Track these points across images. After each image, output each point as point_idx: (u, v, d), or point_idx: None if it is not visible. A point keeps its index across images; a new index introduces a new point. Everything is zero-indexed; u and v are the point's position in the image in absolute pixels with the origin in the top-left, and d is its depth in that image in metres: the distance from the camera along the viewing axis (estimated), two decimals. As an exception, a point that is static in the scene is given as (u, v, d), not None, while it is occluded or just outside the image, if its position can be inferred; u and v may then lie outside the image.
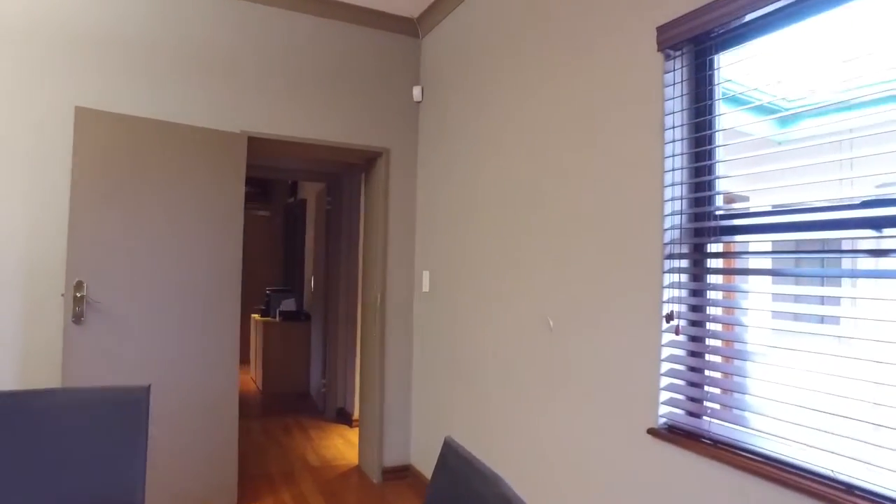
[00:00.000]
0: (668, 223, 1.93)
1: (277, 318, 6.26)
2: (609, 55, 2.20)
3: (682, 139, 1.92)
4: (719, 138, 1.85)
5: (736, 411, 1.72)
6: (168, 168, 3.11)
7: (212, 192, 3.25)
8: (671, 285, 1.92)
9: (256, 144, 3.56)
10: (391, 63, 3.88)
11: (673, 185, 1.93)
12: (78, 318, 2.83)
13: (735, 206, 1.79)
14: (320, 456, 4.20)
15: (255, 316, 6.60)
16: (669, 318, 1.90)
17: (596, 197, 2.24)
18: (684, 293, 1.92)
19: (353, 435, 4.70)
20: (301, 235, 7.10)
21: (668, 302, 1.92)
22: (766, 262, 1.89)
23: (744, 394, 1.68)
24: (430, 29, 3.81)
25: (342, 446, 4.44)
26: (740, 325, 1.75)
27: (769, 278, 1.80)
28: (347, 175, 5.31)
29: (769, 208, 1.65)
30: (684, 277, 1.92)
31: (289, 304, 6.28)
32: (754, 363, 1.67)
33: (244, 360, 7.50)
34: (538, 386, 2.53)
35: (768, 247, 1.74)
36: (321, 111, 3.65)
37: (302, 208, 7.13)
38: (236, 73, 3.43)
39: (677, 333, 1.89)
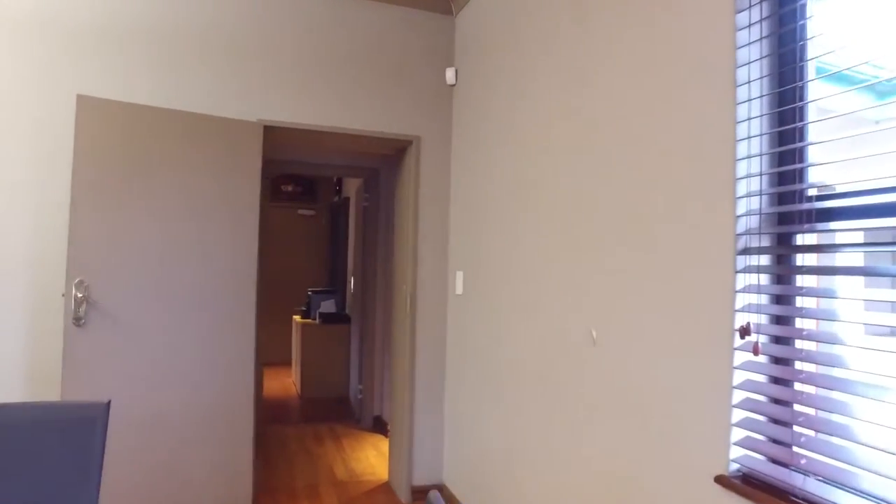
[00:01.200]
0: (741, 207, 1.48)
1: (317, 320, 6.05)
2: (677, 20, 1.76)
3: (759, 96, 1.47)
4: (809, 91, 1.39)
5: (840, 464, 1.26)
6: (177, 160, 2.89)
7: (225, 186, 3.01)
8: (746, 289, 1.47)
9: (274, 135, 3.30)
10: (421, 43, 3.53)
11: (749, 157, 1.48)
12: (79, 320, 2.64)
13: (836, 184, 1.33)
14: (349, 469, 3.91)
15: (297, 317, 6.43)
16: (744, 332, 1.45)
17: (652, 184, 1.81)
18: (764, 300, 1.46)
19: (387, 446, 4.38)
20: (344, 234, 6.89)
21: (742, 311, 1.47)
22: (883, 260, 1.41)
23: (851, 441, 1.22)
24: (464, 4, 3.44)
25: (374, 459, 4.14)
26: (845, 344, 1.28)
27: (889, 280, 1.33)
28: (385, 168, 5.02)
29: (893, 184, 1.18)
30: (764, 279, 1.47)
31: (328, 306, 6.06)
32: (867, 398, 1.20)
33: (287, 362, 7.37)
34: (579, 409, 2.11)
35: (889, 237, 1.26)
36: (345, 97, 3.35)
37: (345, 206, 6.93)
38: (252, 58, 3.18)
39: (755, 353, 1.43)
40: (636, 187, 1.86)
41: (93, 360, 2.67)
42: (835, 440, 1.30)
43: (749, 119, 1.48)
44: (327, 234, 8.09)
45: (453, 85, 3.57)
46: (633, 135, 1.88)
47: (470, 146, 3.28)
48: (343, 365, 5.94)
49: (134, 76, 2.95)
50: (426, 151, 3.52)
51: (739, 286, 1.48)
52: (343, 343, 5.94)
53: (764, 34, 1.46)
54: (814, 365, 1.35)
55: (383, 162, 5.01)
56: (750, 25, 1.47)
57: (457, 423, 3.31)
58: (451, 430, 3.39)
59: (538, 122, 2.52)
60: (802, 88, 1.40)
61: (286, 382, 6.57)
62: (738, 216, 1.48)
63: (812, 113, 1.39)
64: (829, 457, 1.27)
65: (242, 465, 3.05)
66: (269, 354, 7.58)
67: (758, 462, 1.43)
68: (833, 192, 1.33)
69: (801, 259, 1.41)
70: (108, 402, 1.60)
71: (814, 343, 1.37)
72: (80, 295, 2.64)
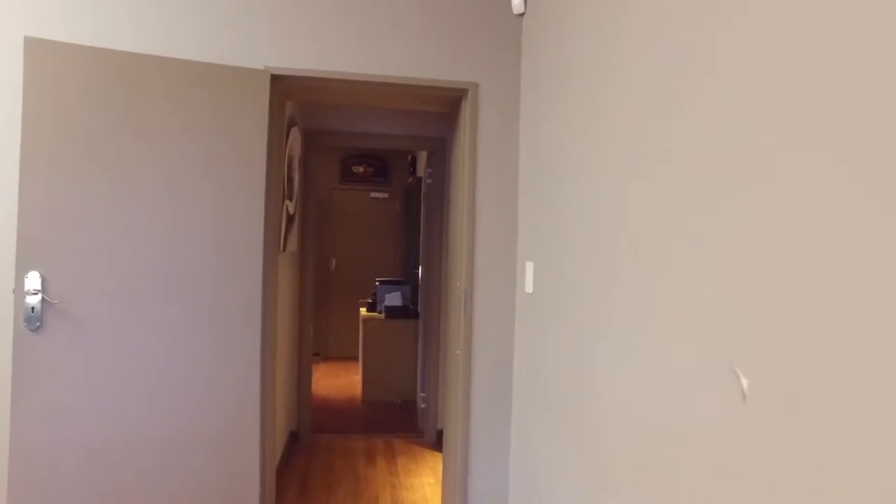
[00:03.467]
0: None
1: (382, 314, 5.40)
2: None
3: None
4: None
5: None
6: (157, 121, 2.26)
7: (221, 153, 2.34)
8: None
9: (288, 87, 2.60)
10: (480, -41, 2.67)
11: None
12: (33, 322, 2.09)
13: None
14: (398, 501, 3.20)
15: (363, 310, 5.83)
16: None
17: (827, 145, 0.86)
18: None
19: (448, 472, 3.63)
20: (418, 219, 6.20)
21: None
22: None
23: None
24: None
25: (430, 488, 3.39)
26: None
27: None
28: (452, 135, 4.21)
29: None
30: None
31: (394, 298, 5.39)
32: None
33: (355, 358, 6.83)
34: (706, 499, 1.21)
35: None
36: (376, 36, 2.58)
37: (419, 187, 6.22)
38: (259, -13, 2.49)
39: None
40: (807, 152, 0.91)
41: (50, 372, 2.11)
42: None
43: None
44: (402, 218, 7.45)
45: (522, 14, 2.68)
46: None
47: (546, 94, 2.39)
48: (409, 366, 5.25)
49: (101, 14, 2.35)
50: (486, 103, 2.67)
51: None
52: (409, 341, 5.25)
53: None
54: None
55: (449, 126, 4.21)
56: None
57: (523, 465, 2.46)
58: (517, 473, 2.56)
59: (649, 52, 1.60)
60: None
61: (353, 381, 6.02)
62: None
63: None
64: None
65: (247, 507, 2.40)
66: (337, 349, 7.10)
67: None
68: None
69: None
70: None
71: None
72: (33, 291, 2.09)
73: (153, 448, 2.23)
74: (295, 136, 3.40)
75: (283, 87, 2.60)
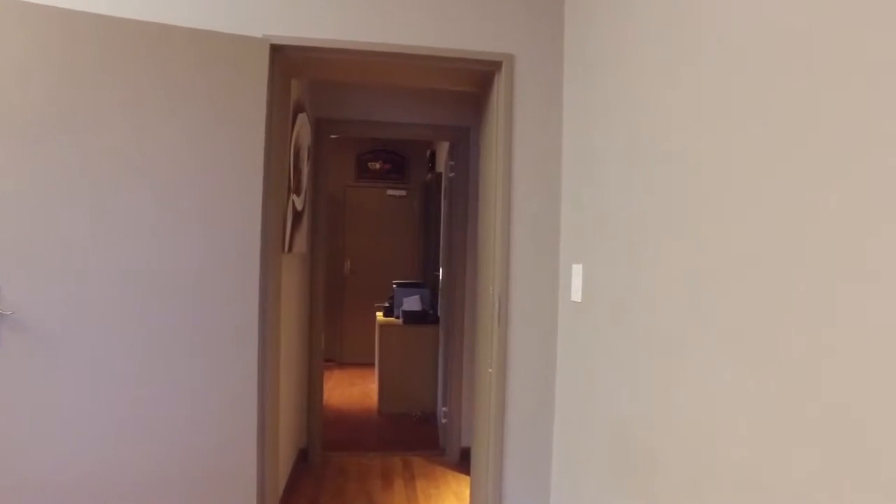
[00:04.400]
0: None
1: (399, 320, 5.03)
2: None
3: None
4: None
5: None
6: (136, 95, 1.90)
7: (211, 134, 1.98)
8: None
9: (290, 60, 2.22)
10: None
11: None
12: (-17, 337, 1.74)
13: None
14: (419, 537, 2.81)
15: (379, 314, 5.46)
16: None
17: None
18: None
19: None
20: (437, 217, 5.81)
21: None
22: None
23: None
24: None
25: (454, 520, 3.00)
26: None
27: None
28: (476, 124, 3.82)
29: None
30: None
31: (412, 303, 5.01)
32: None
33: (371, 364, 6.46)
34: None
35: None
36: (393, 0, 2.20)
37: (438, 183, 5.84)
38: (257, -59, 2.12)
39: None
40: None
41: (0, 398, 1.76)
42: None
43: None
44: (420, 216, 7.07)
45: (566, -28, 2.28)
46: None
47: (597, 66, 1.99)
48: (429, 377, 4.87)
49: (83, -25, 2.00)
50: (522, 78, 2.27)
51: None
52: (429, 349, 4.87)
53: None
54: None
55: (474, 114, 3.82)
56: None
57: (571, 500, 2.06)
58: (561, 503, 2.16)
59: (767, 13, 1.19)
60: None
61: (368, 390, 5.65)
62: None
63: None
64: None
65: (242, 554, 2.03)
66: (352, 355, 6.74)
67: None
68: None
69: None
70: None
71: None
72: (-16, 299, 1.74)
73: (125, 489, 1.87)
74: (303, 123, 3.03)
75: (287, 62, 2.23)
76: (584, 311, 2.00)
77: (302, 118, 2.97)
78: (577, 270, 2.06)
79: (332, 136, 5.48)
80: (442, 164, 5.78)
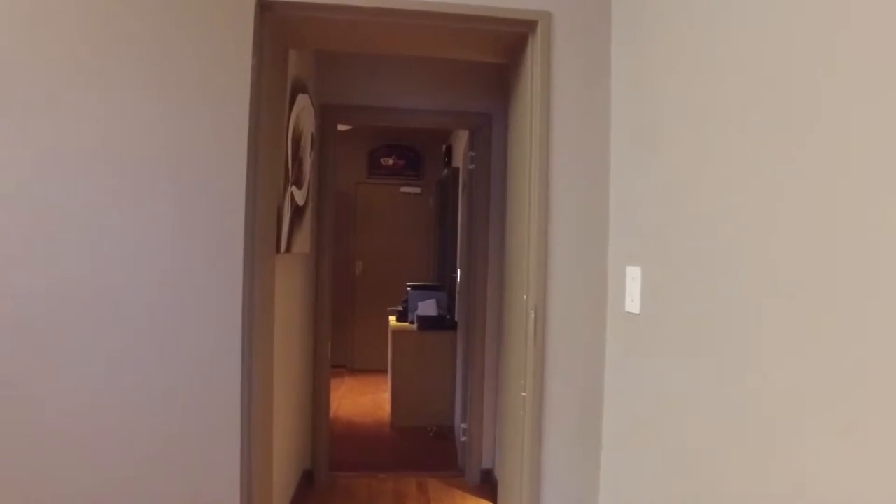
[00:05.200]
0: None
1: (414, 325, 4.66)
2: None
3: None
4: None
5: None
6: (91, 57, 1.55)
7: (182, 107, 1.62)
8: None
9: (284, 21, 1.85)
10: None
11: None
12: None
13: None
14: (437, 581, 2.44)
15: (392, 319, 5.09)
16: None
17: None
18: None
19: (499, 533, 2.85)
20: (454, 215, 5.43)
21: None
22: None
23: None
24: None
25: (478, 560, 2.62)
26: None
27: None
28: (499, 110, 3.44)
29: None
30: None
31: (428, 307, 4.63)
32: None
33: (383, 370, 6.09)
34: None
35: None
36: (411, -56, 1.82)
37: (455, 179, 5.46)
38: None
39: None
40: None
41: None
42: None
43: None
44: (436, 215, 6.70)
45: (615, -86, 1.88)
46: None
47: (659, 21, 1.60)
48: (446, 388, 4.49)
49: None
50: (561, 43, 1.88)
51: None
52: (446, 357, 4.49)
53: None
54: None
55: (496, 99, 3.44)
56: None
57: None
58: (611, 570, 1.76)
59: None
60: None
61: (380, 400, 5.28)
62: None
63: None
64: None
65: None
66: (364, 360, 6.39)
67: None
68: None
69: None
70: None
71: None
72: None
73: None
74: (304, 106, 2.67)
75: (279, 24, 1.87)
76: (645, 325, 1.61)
77: (303, 100, 2.61)
78: (634, 274, 1.67)
79: (341, 129, 5.13)
80: (459, 159, 5.39)
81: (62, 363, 1.53)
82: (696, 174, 1.37)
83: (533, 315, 1.85)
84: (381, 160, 6.60)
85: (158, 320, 1.58)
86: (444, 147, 6.28)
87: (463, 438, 3.67)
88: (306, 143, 2.79)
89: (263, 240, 1.80)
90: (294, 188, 2.50)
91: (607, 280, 1.87)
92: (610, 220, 1.87)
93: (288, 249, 2.37)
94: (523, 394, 1.89)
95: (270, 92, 1.85)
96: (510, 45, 2.04)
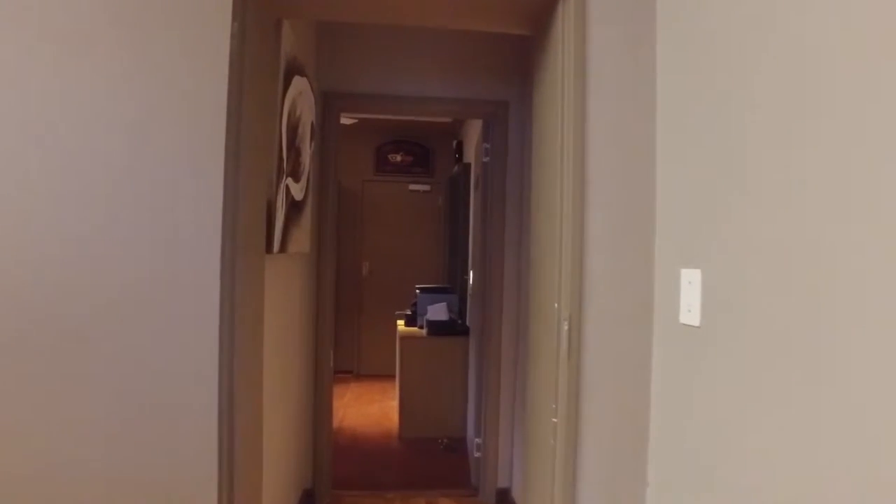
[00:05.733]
0: None
1: (423, 330, 4.38)
2: None
3: None
4: None
5: None
6: (41, 19, 1.28)
7: (145, 78, 1.35)
8: None
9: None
10: None
11: None
12: None
13: None
14: None
15: (400, 324, 4.82)
16: None
17: None
18: None
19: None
20: (465, 214, 5.16)
21: None
22: None
23: None
24: None
25: None
26: None
27: None
28: (517, 98, 3.16)
29: None
30: None
31: (438, 311, 4.36)
32: None
33: (391, 376, 5.82)
34: None
35: None
36: None
37: (466, 176, 5.19)
38: None
39: None
40: None
41: None
42: None
43: None
44: (446, 214, 6.42)
45: None
46: None
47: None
48: (457, 397, 4.21)
49: None
50: (598, 13, 1.60)
51: None
52: (457, 364, 4.21)
53: None
54: None
55: (512, 85, 3.16)
56: None
57: None
58: None
59: None
60: None
61: (388, 408, 5.01)
62: None
63: None
64: None
65: None
66: (371, 366, 6.12)
67: None
68: None
69: None
70: None
71: None
72: None
73: None
74: (302, 90, 2.40)
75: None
76: (707, 340, 1.32)
77: (300, 83, 2.34)
78: (692, 278, 1.38)
79: (347, 123, 4.87)
80: (470, 155, 5.12)
81: (18, 388, 1.27)
82: (777, 157, 1.08)
83: (566, 327, 1.56)
84: (389, 156, 6.33)
85: (113, 325, 1.31)
86: (454, 143, 6.01)
87: (477, 454, 3.39)
88: (305, 131, 2.52)
89: (249, 238, 1.53)
90: (290, 181, 2.23)
91: (653, 285, 1.59)
92: (657, 213, 1.59)
93: (283, 249, 2.10)
94: (554, 419, 1.61)
95: (258, 66, 1.59)
96: (535, 11, 1.76)
